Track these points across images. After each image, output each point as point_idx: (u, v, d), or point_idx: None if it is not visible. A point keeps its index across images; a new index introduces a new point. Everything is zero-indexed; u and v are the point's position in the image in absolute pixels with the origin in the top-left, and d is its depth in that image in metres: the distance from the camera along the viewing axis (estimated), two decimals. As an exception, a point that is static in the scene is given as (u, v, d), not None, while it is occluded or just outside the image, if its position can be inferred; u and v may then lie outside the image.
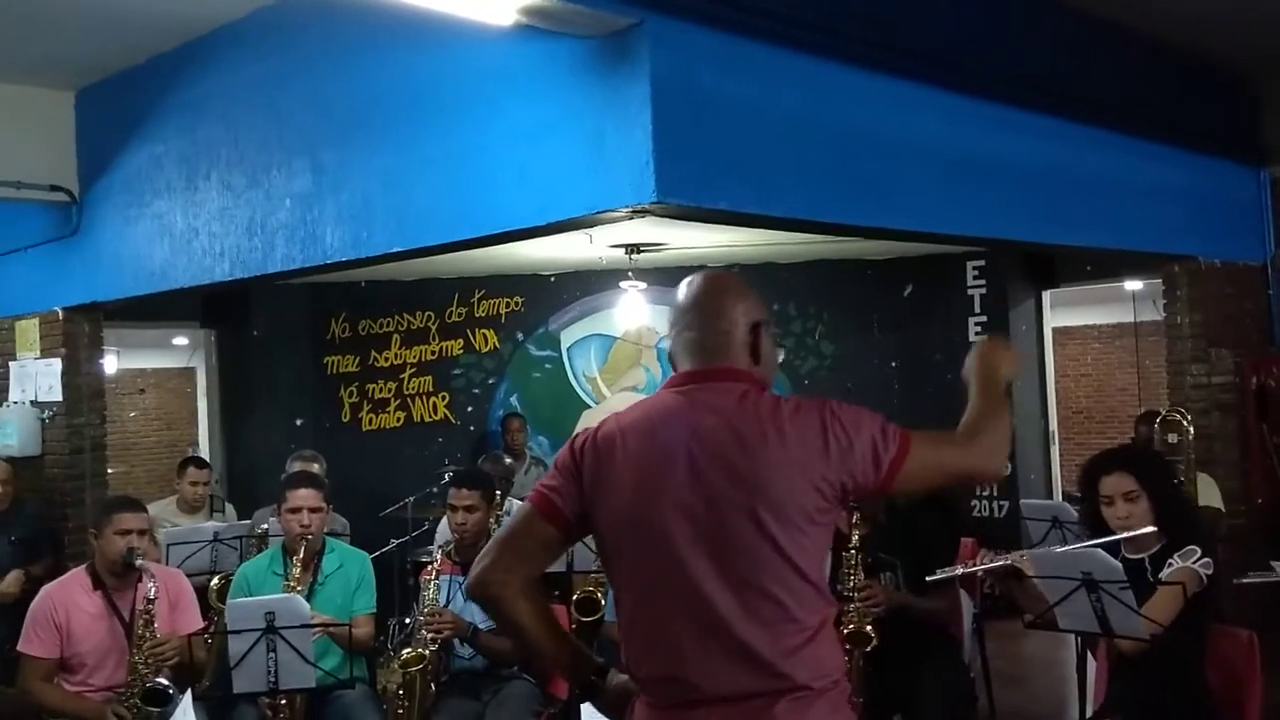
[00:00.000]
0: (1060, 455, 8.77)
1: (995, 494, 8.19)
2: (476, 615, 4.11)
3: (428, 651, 3.96)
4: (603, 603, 4.99)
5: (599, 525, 2.08)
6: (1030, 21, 4.71)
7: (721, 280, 2.20)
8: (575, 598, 5.10)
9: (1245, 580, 3.56)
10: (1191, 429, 5.57)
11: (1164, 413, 5.80)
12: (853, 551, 3.85)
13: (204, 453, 8.42)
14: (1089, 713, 3.75)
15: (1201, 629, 3.22)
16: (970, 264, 8.29)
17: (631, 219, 3.61)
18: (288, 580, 4.09)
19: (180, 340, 10.77)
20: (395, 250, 4.10)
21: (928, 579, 3.61)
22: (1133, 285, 9.82)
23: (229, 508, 6.57)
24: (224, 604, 4.58)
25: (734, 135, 3.49)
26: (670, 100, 3.28)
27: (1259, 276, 6.09)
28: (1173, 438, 5.67)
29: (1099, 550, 3.14)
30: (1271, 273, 6.09)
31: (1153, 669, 3.16)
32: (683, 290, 2.18)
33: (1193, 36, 5.35)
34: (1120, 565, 3.09)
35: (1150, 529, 3.24)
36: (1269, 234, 6.08)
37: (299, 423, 8.49)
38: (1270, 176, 6.07)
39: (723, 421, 2.01)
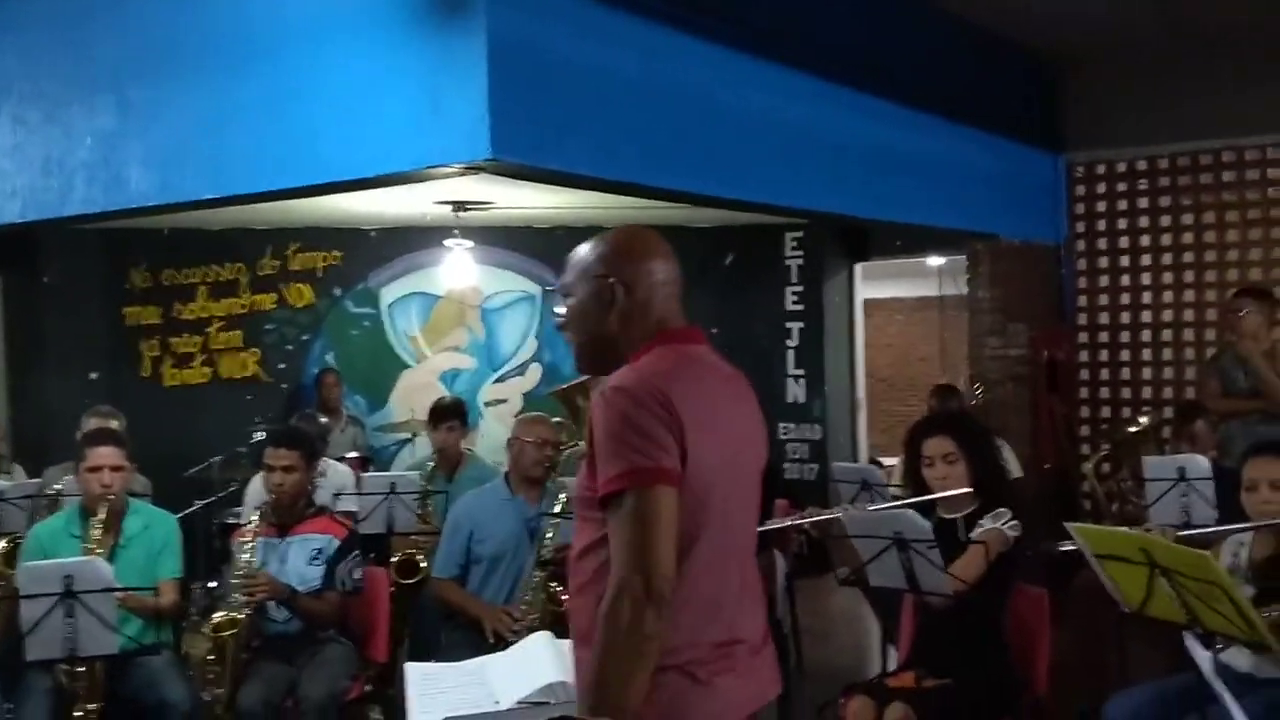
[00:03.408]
0: (866, 421, 9.17)
1: (806, 458, 8.50)
2: (292, 577, 3.99)
3: (241, 615, 3.82)
4: (422, 565, 4.94)
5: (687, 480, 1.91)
6: (857, 2, 4.85)
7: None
8: (394, 560, 5.02)
9: (1045, 549, 3.82)
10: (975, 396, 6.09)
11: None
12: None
13: (-14, 407, 7.83)
14: (891, 666, 3.95)
15: (1005, 587, 3.42)
16: (789, 235, 8.53)
17: (464, 175, 3.54)
18: (87, 543, 3.86)
19: (-43, 286, 9.96)
20: (208, 197, 3.91)
21: (759, 529, 3.72)
22: (936, 261, 10.33)
23: (16, 467, 6.14)
24: (11, 568, 4.30)
25: (571, 96, 3.47)
26: (508, 57, 3.23)
27: (1053, 256, 6.51)
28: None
29: (910, 511, 3.30)
30: (1064, 253, 6.51)
31: (956, 624, 3.35)
32: (649, 240, 2.24)
33: (1004, 26, 5.64)
34: (930, 526, 3.26)
35: (965, 490, 3.43)
36: (1064, 217, 6.50)
37: (94, 376, 8.00)
38: (1067, 162, 6.48)
39: (734, 381, 2.15)
